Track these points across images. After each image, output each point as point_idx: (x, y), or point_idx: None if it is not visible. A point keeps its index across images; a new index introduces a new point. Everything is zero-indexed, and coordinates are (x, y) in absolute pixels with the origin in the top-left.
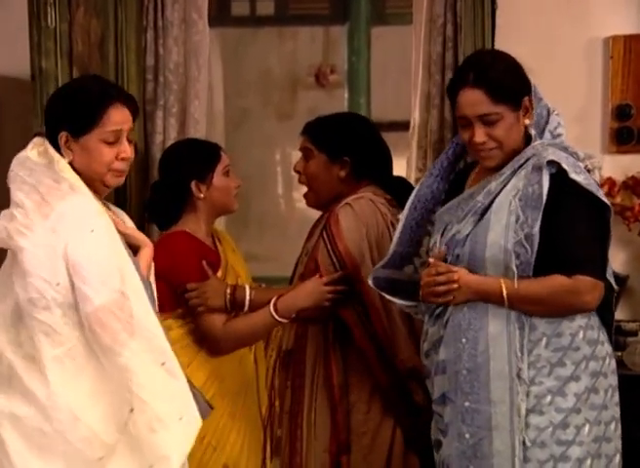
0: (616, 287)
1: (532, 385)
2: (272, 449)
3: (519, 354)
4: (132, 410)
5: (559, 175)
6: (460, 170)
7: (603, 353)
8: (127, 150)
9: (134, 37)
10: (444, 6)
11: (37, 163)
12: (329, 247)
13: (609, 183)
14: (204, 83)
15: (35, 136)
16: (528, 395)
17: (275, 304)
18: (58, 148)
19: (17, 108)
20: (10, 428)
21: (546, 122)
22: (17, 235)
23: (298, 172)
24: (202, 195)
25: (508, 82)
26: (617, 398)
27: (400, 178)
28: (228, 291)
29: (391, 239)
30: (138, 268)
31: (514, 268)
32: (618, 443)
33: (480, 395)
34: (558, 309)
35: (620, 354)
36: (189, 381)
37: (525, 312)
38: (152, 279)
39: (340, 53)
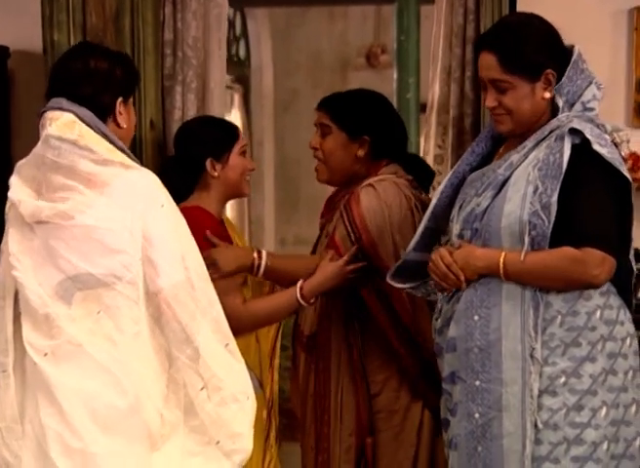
0: (635, 268)
1: (545, 365)
2: (277, 432)
3: (532, 333)
4: (202, 388)
5: (582, 146)
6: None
7: (623, 334)
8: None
9: (151, 10)
10: None
11: (63, 139)
12: (347, 224)
13: (633, 158)
14: (223, 58)
15: (40, 115)
16: (541, 375)
17: (301, 288)
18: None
19: (29, 82)
20: (76, 402)
21: (581, 94)
22: (76, 213)
23: (314, 148)
24: (216, 174)
25: (527, 52)
26: (638, 380)
27: (414, 156)
28: (241, 254)
29: (414, 222)
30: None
31: (526, 240)
32: (639, 426)
33: (491, 374)
34: (565, 282)
35: None
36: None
37: (533, 285)
38: None
39: (391, 32)
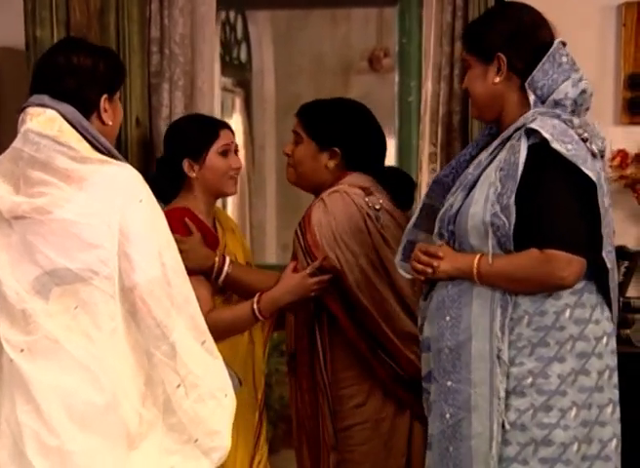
0: (609, 266)
1: (512, 366)
2: (266, 436)
3: (499, 334)
4: (179, 386)
5: (541, 145)
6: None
7: (598, 333)
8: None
9: (136, 7)
10: None
11: (42, 134)
12: (300, 241)
13: (621, 155)
14: (210, 55)
15: (21, 111)
16: (508, 376)
17: (259, 301)
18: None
19: (12, 78)
20: (53, 399)
21: (555, 90)
22: (53, 207)
23: (287, 154)
24: (194, 174)
25: (482, 31)
26: (615, 380)
27: (394, 168)
28: (203, 254)
29: (368, 230)
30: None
31: (490, 242)
32: (616, 427)
33: (461, 375)
34: (533, 285)
35: (627, 331)
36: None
37: (504, 289)
38: None
39: (393, 36)
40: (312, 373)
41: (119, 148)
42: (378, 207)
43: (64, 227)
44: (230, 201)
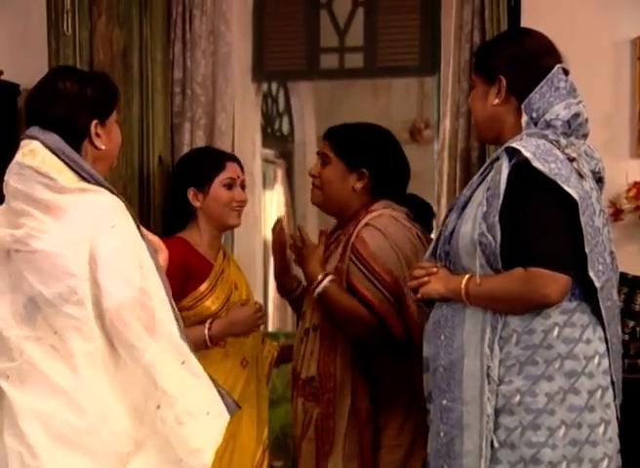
0: (598, 285)
1: (501, 384)
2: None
3: (488, 352)
4: (159, 407)
5: (523, 164)
6: None
7: (589, 352)
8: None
9: (160, 50)
10: (471, 12)
11: (24, 165)
12: (364, 271)
13: (637, 187)
14: (231, 95)
15: (20, 141)
16: (497, 394)
17: (210, 328)
18: (79, 142)
19: None
20: (33, 422)
21: (548, 111)
22: (29, 239)
23: (313, 175)
24: (198, 204)
25: (489, 53)
26: (608, 399)
27: (413, 196)
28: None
29: (422, 251)
30: (159, 268)
31: (477, 261)
32: (607, 447)
33: (455, 393)
34: (520, 305)
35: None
36: (214, 380)
37: (493, 310)
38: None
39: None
40: (333, 403)
41: (142, 185)
42: (419, 232)
43: (42, 257)
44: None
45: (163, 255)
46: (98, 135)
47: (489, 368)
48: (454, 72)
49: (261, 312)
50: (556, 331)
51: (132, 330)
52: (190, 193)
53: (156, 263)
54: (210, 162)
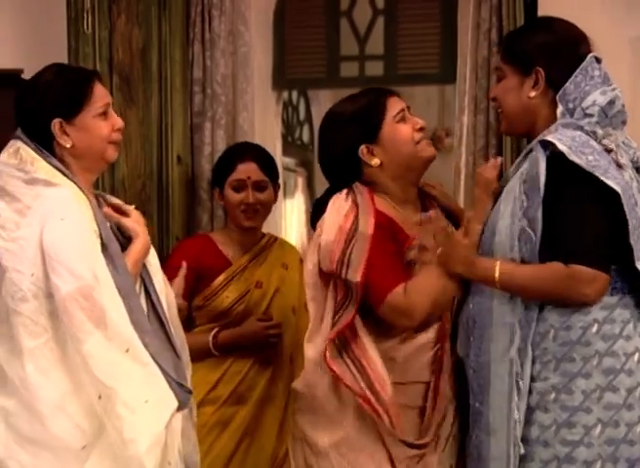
0: None
1: (537, 381)
2: None
3: (516, 357)
4: (100, 397)
5: (559, 158)
6: None
7: (629, 349)
8: (119, 121)
9: (178, 49)
10: (489, 10)
11: (6, 163)
12: None
13: None
14: (252, 95)
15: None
16: (532, 391)
17: (215, 336)
18: (49, 141)
19: None
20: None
21: (584, 100)
22: None
23: None
24: (221, 203)
25: (523, 42)
26: None
27: None
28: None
29: None
30: (117, 258)
31: (517, 255)
32: None
33: (483, 396)
34: (555, 298)
35: None
36: (165, 372)
37: (523, 298)
38: (152, 269)
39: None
40: None
41: (160, 184)
42: None
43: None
44: None
45: (139, 241)
46: (65, 133)
47: (517, 374)
48: (471, 70)
49: (276, 329)
50: (595, 327)
51: (75, 320)
52: (215, 193)
53: (113, 253)
54: (222, 163)
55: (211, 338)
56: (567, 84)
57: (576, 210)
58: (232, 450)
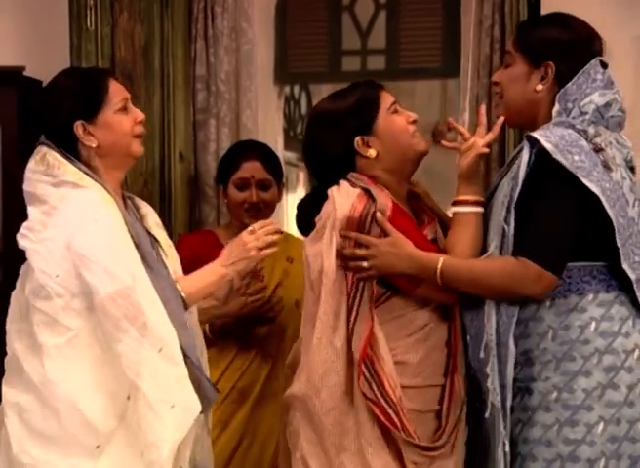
0: (633, 277)
1: (538, 381)
2: None
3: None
4: (129, 398)
5: (545, 155)
6: None
7: (629, 346)
8: (140, 113)
9: (181, 46)
10: (491, 7)
11: (34, 170)
12: None
13: None
14: (255, 92)
15: (35, 147)
16: (533, 391)
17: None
18: (73, 145)
19: None
20: (12, 416)
21: (582, 100)
22: (20, 238)
23: None
24: (225, 201)
25: (538, 35)
26: None
27: None
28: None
29: None
30: (151, 258)
31: (496, 250)
32: None
33: (485, 399)
34: (497, 292)
35: None
36: (198, 367)
37: (469, 292)
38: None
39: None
40: None
41: (162, 181)
42: None
43: (27, 255)
44: None
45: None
46: (90, 133)
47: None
48: (473, 67)
49: (260, 295)
50: (593, 325)
51: (111, 319)
52: (219, 191)
53: (145, 252)
54: (226, 161)
55: (207, 325)
56: (569, 84)
57: (547, 207)
58: (233, 450)
